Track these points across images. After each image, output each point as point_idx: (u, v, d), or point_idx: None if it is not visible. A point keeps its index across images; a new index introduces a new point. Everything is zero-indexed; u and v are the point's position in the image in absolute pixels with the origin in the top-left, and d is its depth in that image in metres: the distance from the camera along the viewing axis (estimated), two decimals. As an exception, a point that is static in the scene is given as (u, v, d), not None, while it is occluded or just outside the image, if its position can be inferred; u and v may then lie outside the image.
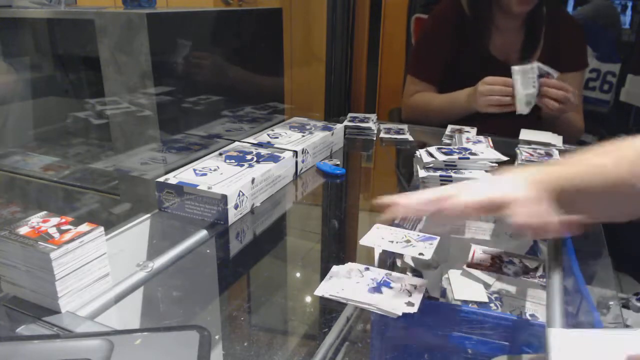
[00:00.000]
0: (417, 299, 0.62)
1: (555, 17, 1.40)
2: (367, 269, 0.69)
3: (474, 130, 1.31)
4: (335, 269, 0.69)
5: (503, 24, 1.39)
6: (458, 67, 1.42)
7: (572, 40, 1.41)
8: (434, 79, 1.46)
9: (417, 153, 1.02)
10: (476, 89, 1.29)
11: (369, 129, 1.40)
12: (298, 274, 0.82)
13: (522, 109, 1.24)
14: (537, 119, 1.34)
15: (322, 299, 0.64)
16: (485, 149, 1.03)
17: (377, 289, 0.64)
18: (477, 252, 0.74)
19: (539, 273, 0.69)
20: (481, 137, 1.24)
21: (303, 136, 1.17)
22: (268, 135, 1.18)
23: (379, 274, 0.68)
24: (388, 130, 1.41)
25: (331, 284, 0.65)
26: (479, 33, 1.39)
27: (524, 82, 1.22)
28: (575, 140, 1.35)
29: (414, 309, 0.60)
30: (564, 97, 1.22)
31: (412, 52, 1.56)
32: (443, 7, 1.48)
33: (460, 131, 1.30)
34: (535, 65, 1.22)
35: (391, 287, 0.64)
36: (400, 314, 0.60)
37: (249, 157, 1.01)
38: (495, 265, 0.70)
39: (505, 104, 1.25)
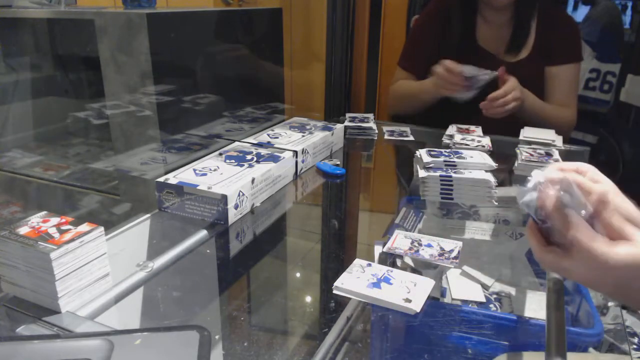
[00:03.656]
0: (419, 297, 0.63)
1: (549, 12, 1.41)
2: (369, 265, 0.70)
3: (479, 129, 1.31)
4: (357, 261, 0.70)
5: (491, 17, 1.41)
6: (449, 59, 1.43)
7: (565, 34, 1.42)
8: (417, 70, 1.49)
9: (417, 153, 1.01)
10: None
11: (370, 128, 1.40)
12: (298, 274, 0.82)
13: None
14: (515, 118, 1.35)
15: (323, 298, 0.64)
16: (475, 154, 1.02)
17: (376, 285, 0.65)
18: (399, 237, 0.76)
19: (453, 254, 0.71)
20: (481, 138, 1.24)
21: (303, 136, 1.17)
22: (268, 135, 1.18)
23: (380, 270, 0.68)
24: (392, 133, 1.41)
25: (350, 278, 0.66)
26: (466, 25, 1.41)
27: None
28: (566, 134, 1.36)
29: (412, 306, 0.61)
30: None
31: (404, 45, 1.60)
32: (433, 1, 1.52)
33: (468, 131, 1.30)
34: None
35: (391, 284, 0.65)
36: (418, 310, 0.60)
37: (249, 157, 1.01)
38: (413, 248, 0.73)
39: (452, 89, 1.26)
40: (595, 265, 0.47)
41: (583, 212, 0.48)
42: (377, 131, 1.41)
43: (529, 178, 0.52)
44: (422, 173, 0.95)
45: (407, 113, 1.51)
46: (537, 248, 0.53)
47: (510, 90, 1.23)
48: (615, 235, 0.48)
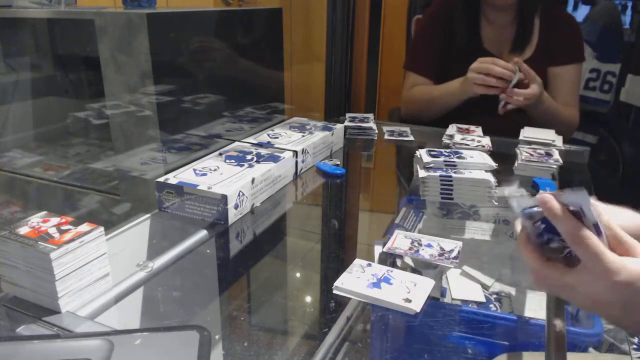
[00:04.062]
0: (419, 297, 0.63)
1: (550, 12, 1.41)
2: (369, 265, 0.70)
3: (479, 129, 1.31)
4: (357, 261, 0.70)
5: (494, 17, 1.41)
6: (453, 61, 1.44)
7: (567, 34, 1.42)
8: (430, 71, 1.48)
9: (417, 153, 1.01)
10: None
11: (370, 128, 1.40)
12: (298, 274, 0.82)
13: None
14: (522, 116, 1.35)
15: (323, 298, 0.64)
16: (475, 154, 1.02)
17: (376, 285, 0.65)
18: (399, 237, 0.76)
19: (453, 254, 0.72)
20: (481, 138, 1.24)
21: (303, 136, 1.17)
22: (268, 135, 1.18)
23: (380, 270, 0.68)
24: (392, 133, 1.41)
25: (350, 278, 0.66)
26: (470, 27, 1.42)
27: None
28: (569, 134, 1.36)
29: (412, 306, 0.61)
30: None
31: (409, 48, 1.59)
32: (436, 3, 1.52)
33: (468, 131, 1.30)
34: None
35: (391, 284, 0.65)
36: (418, 310, 0.60)
37: (249, 157, 1.01)
38: (413, 248, 0.73)
39: (489, 84, 1.26)
40: (604, 275, 0.44)
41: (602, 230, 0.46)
42: (377, 131, 1.41)
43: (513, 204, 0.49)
44: (422, 173, 0.95)
45: (430, 117, 1.49)
46: (537, 263, 0.49)
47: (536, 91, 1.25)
48: (615, 247, 0.47)
